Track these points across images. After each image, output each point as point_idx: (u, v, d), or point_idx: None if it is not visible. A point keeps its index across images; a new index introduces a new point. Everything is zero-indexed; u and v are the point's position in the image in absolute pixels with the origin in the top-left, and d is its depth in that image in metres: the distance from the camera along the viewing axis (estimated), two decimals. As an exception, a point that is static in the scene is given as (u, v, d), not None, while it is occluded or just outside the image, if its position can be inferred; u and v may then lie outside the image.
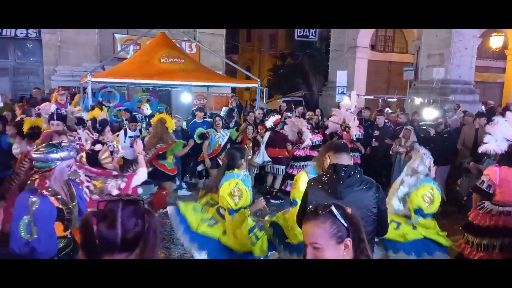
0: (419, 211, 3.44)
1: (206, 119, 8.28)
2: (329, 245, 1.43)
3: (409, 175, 3.60)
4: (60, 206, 2.38)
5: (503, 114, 5.16)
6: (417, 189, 3.49)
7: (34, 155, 2.37)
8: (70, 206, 2.45)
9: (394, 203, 3.63)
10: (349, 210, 1.51)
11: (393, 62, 17.24)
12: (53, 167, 2.36)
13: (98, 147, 3.61)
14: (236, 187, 3.23)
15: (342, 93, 12.60)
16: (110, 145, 3.69)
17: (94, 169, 3.25)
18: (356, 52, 15.95)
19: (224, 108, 10.62)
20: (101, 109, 6.29)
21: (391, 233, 3.34)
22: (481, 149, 4.09)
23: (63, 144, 2.50)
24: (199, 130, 6.66)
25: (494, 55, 15.96)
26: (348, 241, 1.44)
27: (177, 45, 10.07)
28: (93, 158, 3.51)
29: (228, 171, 3.35)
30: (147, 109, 8.07)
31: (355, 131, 7.16)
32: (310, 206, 2.26)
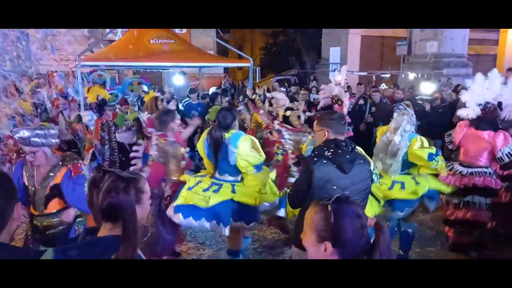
0: (430, 156, 3.52)
1: (200, 101, 8.20)
2: (310, 236, 1.38)
3: (399, 135, 3.60)
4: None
5: None
6: (410, 146, 3.60)
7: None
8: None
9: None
10: (371, 221, 1.36)
11: (386, 36, 17.05)
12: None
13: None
14: (252, 140, 3.17)
15: (336, 69, 12.51)
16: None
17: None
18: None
19: (211, 89, 10.49)
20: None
21: (400, 193, 3.59)
22: (458, 113, 4.25)
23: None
24: None
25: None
26: (327, 245, 1.32)
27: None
28: None
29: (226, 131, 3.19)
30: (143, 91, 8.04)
31: (347, 103, 7.00)
32: (320, 183, 2.26)
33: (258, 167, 3.16)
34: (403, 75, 12.23)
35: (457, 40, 11.58)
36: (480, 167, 3.96)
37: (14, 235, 2.30)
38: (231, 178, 3.29)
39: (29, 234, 2.89)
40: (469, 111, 4.01)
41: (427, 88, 8.21)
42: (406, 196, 3.60)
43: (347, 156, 2.31)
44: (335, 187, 2.27)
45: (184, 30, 13.48)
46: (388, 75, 13.59)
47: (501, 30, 15.72)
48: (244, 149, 3.09)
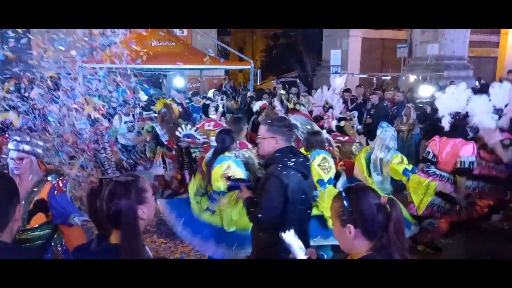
0: (405, 171, 3.87)
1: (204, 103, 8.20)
2: (335, 225, 1.50)
3: (383, 151, 4.05)
4: None
5: None
6: (391, 161, 3.96)
7: None
8: None
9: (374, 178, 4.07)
10: (384, 199, 1.46)
11: (386, 39, 17.07)
12: None
13: None
14: (228, 168, 3.23)
15: (336, 72, 12.52)
16: None
17: None
18: (349, 30, 15.76)
19: (210, 91, 10.47)
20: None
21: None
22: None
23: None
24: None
25: (487, 29, 15.85)
26: (351, 228, 1.43)
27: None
28: None
29: (219, 155, 3.36)
30: (142, 95, 7.99)
31: (338, 111, 6.74)
32: (297, 195, 2.19)
33: (217, 193, 3.31)
34: (403, 78, 12.24)
35: (458, 42, 11.60)
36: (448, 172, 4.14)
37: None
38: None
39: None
40: (443, 120, 4.22)
41: (426, 91, 8.22)
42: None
43: (307, 163, 2.34)
44: (303, 196, 2.25)
45: (185, 33, 13.51)
46: (388, 77, 13.59)
47: (502, 32, 15.73)
48: (215, 173, 3.27)
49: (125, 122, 6.41)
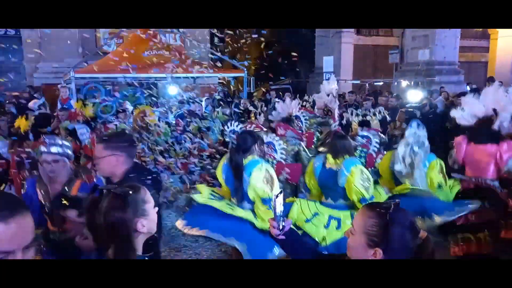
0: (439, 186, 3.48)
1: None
2: (358, 239, 1.34)
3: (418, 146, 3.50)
4: None
5: None
6: (428, 168, 3.50)
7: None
8: None
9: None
10: (423, 233, 1.33)
11: (378, 45, 17.27)
12: None
13: None
14: (268, 173, 2.91)
15: (329, 78, 12.58)
16: None
17: None
18: (342, 37, 15.92)
19: (203, 98, 10.49)
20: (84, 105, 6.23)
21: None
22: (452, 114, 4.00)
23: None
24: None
25: (477, 34, 16.10)
26: (378, 252, 1.30)
27: (161, 37, 9.92)
28: None
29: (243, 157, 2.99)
30: (129, 105, 8.00)
31: (338, 113, 6.79)
32: None
33: (266, 201, 2.89)
34: (396, 83, 12.36)
35: (448, 48, 11.75)
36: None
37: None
38: (249, 206, 3.03)
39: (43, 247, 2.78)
40: (463, 119, 3.83)
41: (416, 96, 8.32)
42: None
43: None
44: None
45: (178, 42, 13.57)
46: (381, 83, 13.72)
47: (492, 37, 15.96)
48: (256, 180, 2.89)
49: None
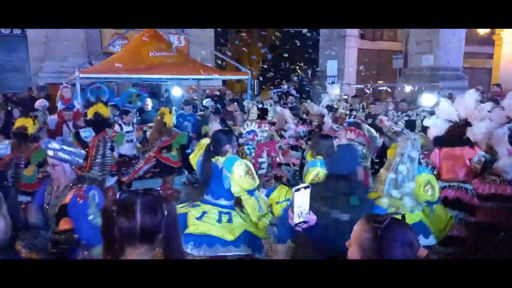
0: (429, 203, 3.25)
1: (194, 113, 8.25)
2: (354, 251, 1.33)
3: (404, 163, 3.19)
4: None
5: (494, 101, 5.28)
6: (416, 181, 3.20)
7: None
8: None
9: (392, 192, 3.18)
10: (422, 252, 1.31)
11: (382, 50, 17.27)
12: None
13: None
14: (247, 166, 3.00)
15: (333, 82, 12.60)
16: None
17: None
18: (346, 41, 15.94)
19: (205, 100, 10.51)
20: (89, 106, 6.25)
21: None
22: (425, 123, 4.31)
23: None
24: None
25: (481, 40, 16.07)
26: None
27: (165, 38, 9.96)
28: None
29: (212, 157, 3.07)
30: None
31: (329, 121, 6.12)
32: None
33: (251, 192, 3.02)
34: (399, 88, 12.35)
35: (452, 53, 11.73)
36: (459, 181, 3.93)
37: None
38: (225, 203, 3.12)
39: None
40: (435, 129, 4.09)
41: (429, 100, 8.26)
42: None
43: None
44: None
45: (183, 43, 13.62)
46: (384, 88, 13.72)
47: (496, 44, 15.93)
48: (238, 174, 2.97)
49: (126, 132, 6.39)
